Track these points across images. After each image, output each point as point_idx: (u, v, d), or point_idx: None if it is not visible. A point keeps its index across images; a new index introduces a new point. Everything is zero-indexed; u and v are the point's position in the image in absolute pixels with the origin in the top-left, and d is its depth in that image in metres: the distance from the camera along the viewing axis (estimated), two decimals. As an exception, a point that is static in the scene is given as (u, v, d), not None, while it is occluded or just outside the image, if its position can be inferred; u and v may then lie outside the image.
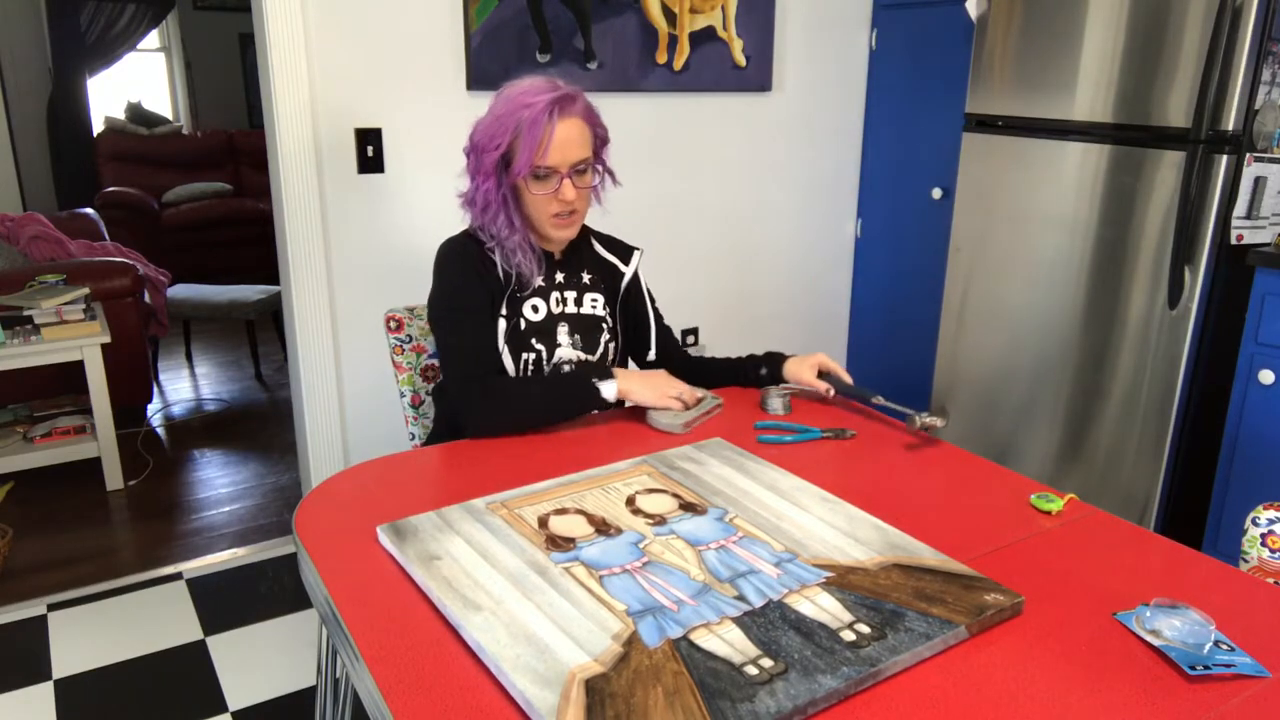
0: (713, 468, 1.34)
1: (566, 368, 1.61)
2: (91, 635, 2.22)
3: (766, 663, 0.89)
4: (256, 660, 2.14)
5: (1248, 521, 1.68)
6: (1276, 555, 1.63)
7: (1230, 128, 2.13)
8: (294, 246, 2.37)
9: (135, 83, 6.35)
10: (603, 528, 1.16)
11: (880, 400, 1.59)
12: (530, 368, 1.58)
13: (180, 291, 4.09)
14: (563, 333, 1.62)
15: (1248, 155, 2.14)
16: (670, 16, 2.79)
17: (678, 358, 1.80)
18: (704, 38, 2.86)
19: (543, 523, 1.17)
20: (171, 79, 6.54)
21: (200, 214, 5.47)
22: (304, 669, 2.11)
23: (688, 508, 1.22)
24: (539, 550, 1.10)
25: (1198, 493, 2.38)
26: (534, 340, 1.58)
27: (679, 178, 3.01)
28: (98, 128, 5.78)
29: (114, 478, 3.01)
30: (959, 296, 2.86)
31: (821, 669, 0.88)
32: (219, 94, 6.62)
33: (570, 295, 1.65)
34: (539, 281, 1.61)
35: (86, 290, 3.07)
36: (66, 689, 2.03)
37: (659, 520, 1.18)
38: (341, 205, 2.42)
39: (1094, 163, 2.43)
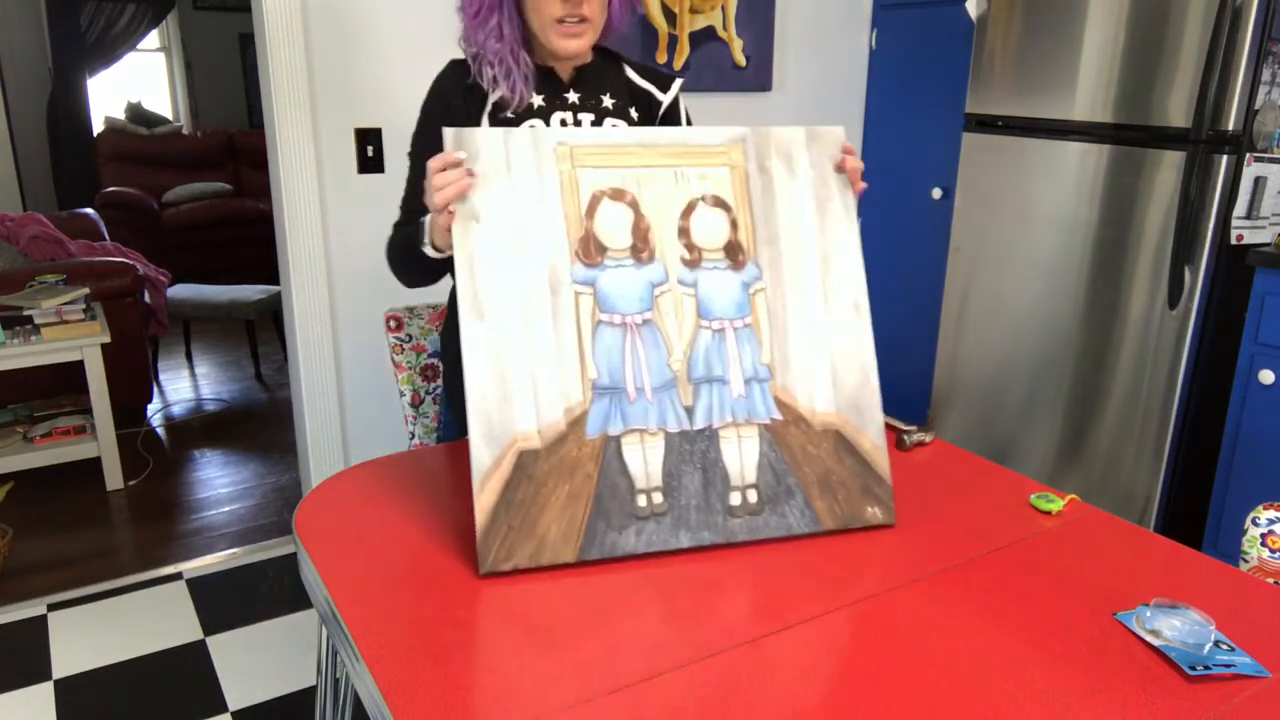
0: (799, 188, 1.24)
1: None
2: (91, 635, 2.22)
3: (657, 499, 0.95)
4: (256, 660, 2.14)
5: (1248, 521, 1.68)
6: (1276, 555, 1.63)
7: (1230, 128, 2.13)
8: (294, 246, 2.37)
9: (135, 83, 6.35)
10: (640, 246, 1.11)
11: None
12: None
13: (180, 291, 4.09)
14: None
15: (1248, 155, 2.14)
16: (670, 16, 2.78)
17: None
18: (704, 37, 2.86)
19: (592, 207, 1.11)
20: (171, 79, 6.54)
21: (200, 214, 5.47)
22: (304, 669, 2.11)
23: (732, 251, 1.16)
24: (565, 257, 1.07)
25: (1198, 493, 2.38)
26: None
27: (679, 178, 3.01)
28: (98, 128, 5.78)
29: (114, 478, 3.01)
30: (959, 296, 2.86)
31: (690, 525, 0.95)
32: (219, 94, 6.62)
33: (586, 118, 1.44)
34: (538, 100, 1.42)
35: (86, 290, 3.07)
36: (66, 689, 2.03)
37: (695, 260, 1.13)
38: (341, 205, 2.42)
39: (1094, 163, 2.43)
